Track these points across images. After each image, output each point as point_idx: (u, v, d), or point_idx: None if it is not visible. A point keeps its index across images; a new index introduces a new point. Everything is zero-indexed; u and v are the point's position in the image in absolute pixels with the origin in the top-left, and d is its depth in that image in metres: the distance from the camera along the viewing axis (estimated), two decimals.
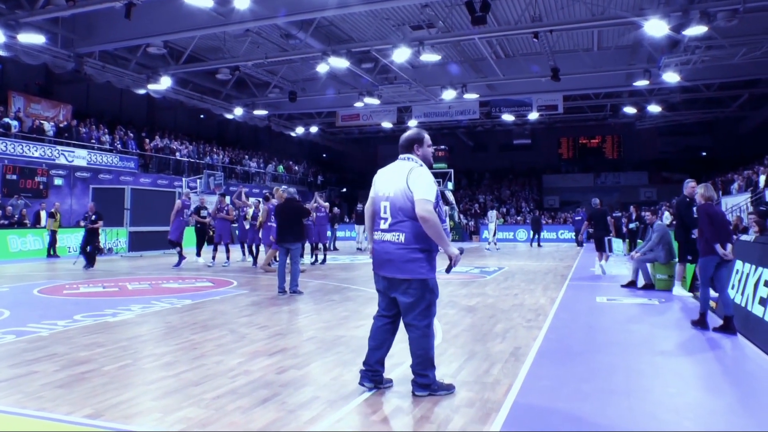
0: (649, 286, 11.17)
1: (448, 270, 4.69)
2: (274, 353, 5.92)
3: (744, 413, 4.29)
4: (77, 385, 4.79)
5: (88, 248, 15.58)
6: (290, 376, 5.06)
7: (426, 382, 4.53)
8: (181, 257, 15.99)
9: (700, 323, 7.37)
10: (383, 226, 4.54)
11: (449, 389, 4.64)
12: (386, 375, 4.81)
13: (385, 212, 4.54)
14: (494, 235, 26.17)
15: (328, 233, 20.22)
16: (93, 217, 15.81)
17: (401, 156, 4.68)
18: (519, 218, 37.93)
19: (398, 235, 4.45)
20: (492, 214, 26.37)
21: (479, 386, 4.79)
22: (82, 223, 15.96)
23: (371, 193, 4.77)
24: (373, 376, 4.67)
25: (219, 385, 4.78)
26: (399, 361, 5.34)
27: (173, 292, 10.67)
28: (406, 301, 4.47)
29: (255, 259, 16.76)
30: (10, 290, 10.94)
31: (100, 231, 16.37)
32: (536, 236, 29.57)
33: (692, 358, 6.22)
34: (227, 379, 4.98)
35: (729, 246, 7.19)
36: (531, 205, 41.18)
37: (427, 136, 4.75)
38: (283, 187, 12.04)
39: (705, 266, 7.33)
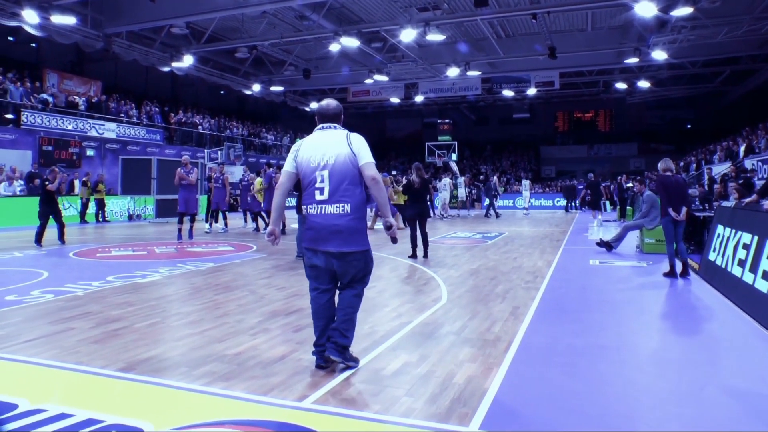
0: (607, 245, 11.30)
1: (394, 241, 4.35)
2: (291, 313, 5.93)
3: (722, 364, 4.27)
4: (111, 341, 4.81)
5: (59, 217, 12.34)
6: (306, 335, 5.04)
7: (346, 344, 4.04)
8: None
9: (671, 273, 8.12)
10: (321, 197, 3.99)
11: (356, 362, 4.16)
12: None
13: (322, 182, 3.98)
14: (528, 201, 27.77)
15: None
16: (56, 181, 12.02)
17: (326, 125, 4.16)
18: (517, 186, 37.67)
19: (343, 206, 3.97)
20: (526, 183, 27.88)
21: (481, 343, 4.78)
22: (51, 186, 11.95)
23: (289, 168, 4.12)
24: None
25: (240, 342, 4.79)
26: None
27: (197, 256, 10.69)
28: (350, 270, 4.06)
29: (257, 225, 16.74)
30: (48, 253, 10.98)
31: (56, 196, 12.34)
32: (571, 202, 29.97)
33: (676, 316, 6.22)
34: (248, 336, 4.99)
35: (683, 209, 7.95)
36: (529, 174, 40.99)
37: None
38: None
39: (665, 226, 8.11)
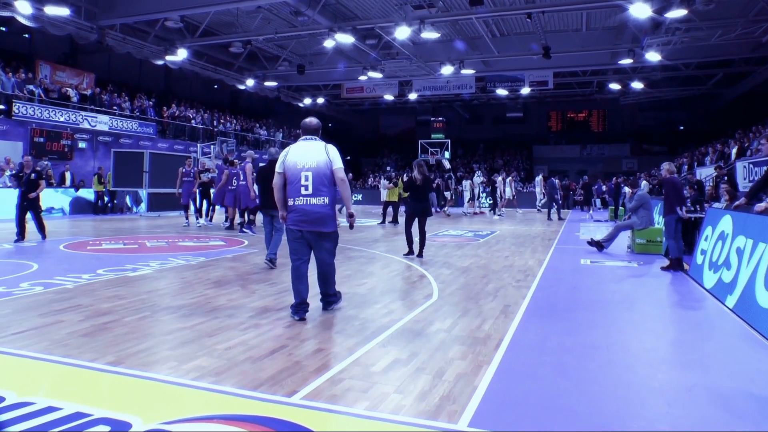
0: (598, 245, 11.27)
1: (351, 227, 5.59)
2: (281, 308, 5.90)
3: (711, 364, 4.28)
4: (100, 334, 4.79)
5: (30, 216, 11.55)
6: (296, 330, 5.05)
7: (334, 300, 5.76)
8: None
9: (670, 266, 8.71)
10: (306, 192, 5.25)
11: (340, 297, 5.92)
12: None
13: (306, 180, 5.24)
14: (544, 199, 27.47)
15: None
16: (32, 175, 11.25)
17: (308, 137, 5.44)
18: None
19: (323, 199, 5.26)
20: (542, 181, 27.88)
21: (471, 340, 4.78)
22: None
23: (280, 169, 5.38)
24: (306, 308, 5.43)
25: (231, 337, 4.77)
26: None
27: (189, 250, 10.66)
28: (328, 246, 5.42)
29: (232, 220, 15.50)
30: (38, 245, 10.92)
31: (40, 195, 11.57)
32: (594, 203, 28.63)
33: (666, 316, 6.24)
34: (238, 331, 4.97)
35: (684, 208, 8.74)
36: (522, 174, 41.08)
37: None
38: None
39: (669, 223, 8.69)
